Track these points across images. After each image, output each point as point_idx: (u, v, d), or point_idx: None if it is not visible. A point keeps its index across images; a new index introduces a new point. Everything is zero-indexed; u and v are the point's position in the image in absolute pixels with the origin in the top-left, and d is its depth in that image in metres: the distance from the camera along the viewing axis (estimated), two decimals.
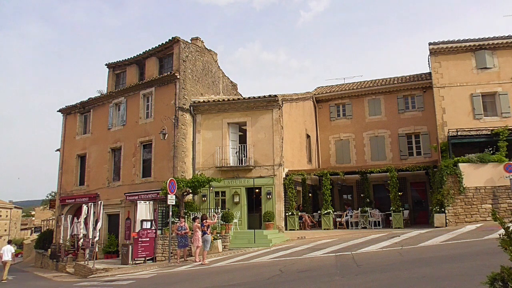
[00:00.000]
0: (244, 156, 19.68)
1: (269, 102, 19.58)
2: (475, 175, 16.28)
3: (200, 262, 13.22)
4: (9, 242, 19.81)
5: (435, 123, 19.87)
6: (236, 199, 19.08)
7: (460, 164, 16.47)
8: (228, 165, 19.54)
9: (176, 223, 15.55)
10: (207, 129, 20.26)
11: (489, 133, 17.85)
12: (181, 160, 19.21)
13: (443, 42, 19.92)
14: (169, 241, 15.50)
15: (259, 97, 19.78)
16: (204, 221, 13.84)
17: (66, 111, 25.60)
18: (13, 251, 18.40)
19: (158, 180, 18.99)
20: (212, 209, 18.22)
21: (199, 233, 13.85)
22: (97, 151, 23.06)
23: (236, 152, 20.02)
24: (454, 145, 18.10)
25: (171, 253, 15.36)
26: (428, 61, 20.97)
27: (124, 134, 21.76)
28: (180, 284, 10.04)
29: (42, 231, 34.40)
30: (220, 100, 20.39)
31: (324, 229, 18.48)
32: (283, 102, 19.93)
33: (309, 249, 12.90)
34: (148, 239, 16.04)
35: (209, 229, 13.85)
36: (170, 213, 16.07)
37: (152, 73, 21.68)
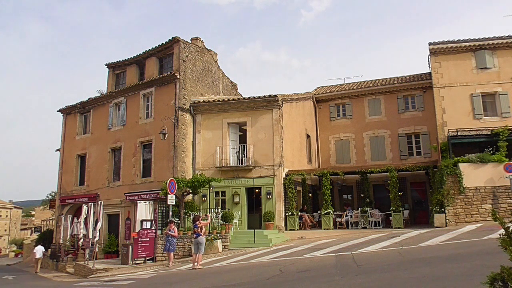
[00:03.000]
0: (244, 156, 19.67)
1: (269, 102, 19.58)
2: (475, 175, 16.28)
3: (194, 266, 12.39)
4: (41, 243, 23.67)
5: (435, 123, 19.87)
6: (236, 199, 19.08)
7: (460, 164, 16.47)
8: (228, 165, 19.54)
9: (172, 223, 15.34)
10: (207, 129, 20.26)
11: (489, 133, 17.84)
12: (181, 160, 19.21)
13: (443, 42, 19.91)
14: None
15: (259, 97, 19.79)
16: (197, 222, 13.34)
17: (66, 111, 25.60)
18: (44, 250, 21.89)
19: (158, 180, 18.99)
20: (212, 209, 18.22)
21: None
22: (97, 151, 23.06)
23: (236, 152, 20.02)
24: (454, 145, 18.10)
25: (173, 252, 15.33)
26: (428, 61, 20.97)
27: (124, 134, 21.76)
28: (180, 284, 10.04)
29: (42, 231, 34.39)
30: (220, 100, 20.39)
31: (324, 229, 18.48)
32: (283, 102, 19.93)
33: (309, 249, 12.90)
34: (148, 239, 16.03)
35: (203, 230, 13.32)
36: (170, 213, 16.07)
37: (152, 73, 21.68)
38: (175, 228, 14.64)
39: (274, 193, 18.75)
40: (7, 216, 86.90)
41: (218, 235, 15.88)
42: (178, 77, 19.81)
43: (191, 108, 20.26)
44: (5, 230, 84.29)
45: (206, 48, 23.04)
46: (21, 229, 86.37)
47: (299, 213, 19.44)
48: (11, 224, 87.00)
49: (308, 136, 23.87)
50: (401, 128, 23.76)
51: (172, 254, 14.25)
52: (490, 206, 15.73)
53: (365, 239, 14.10)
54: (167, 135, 18.86)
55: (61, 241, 21.91)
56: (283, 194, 18.80)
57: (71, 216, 22.20)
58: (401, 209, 18.15)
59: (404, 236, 13.66)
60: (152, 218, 17.41)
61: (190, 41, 21.79)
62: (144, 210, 17.29)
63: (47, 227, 33.18)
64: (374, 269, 8.33)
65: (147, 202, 17.78)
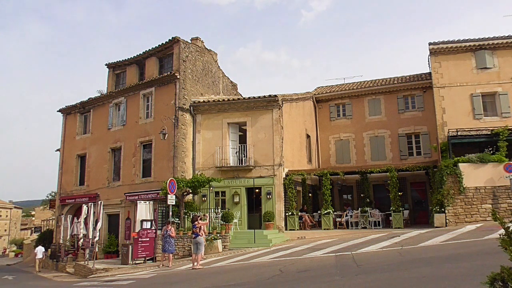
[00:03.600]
0: (244, 156, 19.68)
1: (269, 102, 19.58)
2: (475, 175, 16.28)
3: (194, 266, 12.40)
4: (41, 243, 24.28)
5: (435, 123, 19.87)
6: (236, 199, 19.08)
7: (460, 164, 16.47)
8: (228, 165, 19.54)
9: (169, 223, 15.27)
10: (207, 129, 20.26)
11: (489, 133, 17.84)
12: (181, 160, 19.21)
13: (443, 42, 19.91)
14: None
15: (259, 97, 19.79)
16: (196, 222, 13.24)
17: (66, 111, 25.61)
18: (44, 250, 22.32)
19: (158, 180, 18.99)
20: (212, 209, 18.23)
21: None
22: (97, 151, 23.06)
23: (236, 152, 20.02)
24: (454, 145, 18.10)
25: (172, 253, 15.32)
26: (428, 61, 20.97)
27: (124, 134, 21.76)
28: (180, 284, 10.05)
29: (42, 231, 34.41)
30: (220, 100, 20.39)
31: (324, 229, 18.48)
32: (283, 102, 19.93)
33: (309, 249, 12.90)
34: (148, 239, 16.04)
35: (201, 230, 13.19)
36: (170, 213, 16.07)
37: (152, 73, 21.68)
38: (172, 228, 14.56)
39: (274, 193, 18.74)
40: (7, 216, 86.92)
41: (218, 235, 15.89)
42: (178, 77, 19.81)
43: (191, 108, 20.26)
44: (5, 230, 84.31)
45: (206, 48, 23.04)
46: (21, 229, 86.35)
47: (299, 213, 19.44)
48: (11, 224, 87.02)
49: (308, 136, 23.87)
50: (401, 128, 23.76)
51: (171, 254, 14.20)
52: (490, 206, 15.73)
53: (365, 239, 14.10)
54: (167, 135, 18.85)
55: (61, 241, 21.93)
56: (283, 194, 18.80)
57: (71, 216, 22.21)
58: (401, 209, 18.15)
59: (404, 236, 13.66)
60: (152, 218, 17.41)
61: (190, 41, 21.79)
62: (144, 210, 17.30)
63: (47, 227, 33.20)
64: (374, 269, 8.33)
65: (147, 202, 17.79)
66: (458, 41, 19.83)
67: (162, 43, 21.22)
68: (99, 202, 18.29)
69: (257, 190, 19.37)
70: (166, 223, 14.99)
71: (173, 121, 19.39)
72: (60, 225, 23.05)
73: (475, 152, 17.08)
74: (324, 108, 25.99)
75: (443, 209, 16.20)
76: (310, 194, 21.42)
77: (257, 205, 19.30)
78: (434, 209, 16.58)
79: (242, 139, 20.42)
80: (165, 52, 21.63)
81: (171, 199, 15.47)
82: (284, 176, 19.05)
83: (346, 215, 19.53)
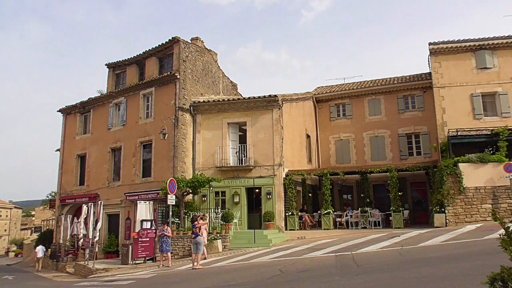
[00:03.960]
0: (244, 156, 19.68)
1: (269, 102, 19.58)
2: (475, 175, 16.28)
3: (194, 266, 12.42)
4: (41, 243, 24.31)
5: (435, 123, 19.87)
6: (236, 199, 19.08)
7: (460, 164, 16.47)
8: (228, 165, 19.54)
9: (166, 223, 15.27)
10: (207, 129, 20.26)
11: (489, 133, 17.85)
12: (181, 160, 19.22)
13: (443, 42, 19.91)
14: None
15: (259, 97, 19.79)
16: (196, 222, 13.27)
17: (66, 111, 25.61)
18: (44, 249, 22.53)
19: (158, 180, 18.99)
20: (212, 209, 18.23)
21: (204, 234, 13.71)
22: (97, 151, 23.07)
23: (236, 152, 20.02)
24: (454, 145, 18.10)
25: (171, 253, 15.33)
26: (428, 61, 20.97)
27: (124, 134, 21.77)
28: (180, 284, 10.05)
29: (42, 231, 34.41)
30: (220, 100, 20.40)
31: (324, 229, 18.48)
32: (283, 102, 19.93)
33: (309, 249, 12.90)
34: (148, 239, 16.04)
35: (201, 230, 13.22)
36: (170, 213, 16.07)
37: (152, 73, 21.69)
38: (169, 228, 14.59)
39: (274, 193, 18.75)
40: (7, 216, 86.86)
41: (218, 235, 15.89)
42: (178, 77, 19.81)
43: (191, 108, 20.26)
44: (5, 230, 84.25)
45: (206, 48, 23.04)
46: (21, 229, 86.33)
47: (299, 213, 19.44)
48: (11, 224, 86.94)
49: (308, 136, 23.87)
50: (401, 128, 23.77)
51: (169, 254, 14.24)
52: (490, 206, 15.74)
53: (365, 239, 14.10)
54: (167, 135, 18.86)
55: (61, 241, 21.94)
56: (283, 194, 18.80)
57: (71, 216, 22.22)
58: (401, 209, 18.15)
59: (404, 236, 13.66)
60: (152, 218, 17.41)
61: (190, 41, 21.79)
62: (144, 210, 17.30)
63: (47, 227, 33.19)
64: (374, 269, 8.33)
65: (147, 202, 17.79)
66: (458, 41, 19.83)
67: (162, 43, 21.23)
68: (99, 202, 18.29)
69: (257, 190, 19.38)
70: (163, 223, 15.04)
71: (173, 121, 19.39)
72: (60, 225, 23.05)
73: (475, 152, 17.08)
74: (324, 108, 25.99)
75: (443, 209, 16.20)
76: (310, 194, 21.42)
77: (257, 205, 19.30)
78: (434, 209, 16.58)
79: (242, 139, 20.43)
80: (165, 52, 21.64)
81: (171, 199, 15.48)
82: (284, 176, 19.05)
83: (346, 215, 19.53)
